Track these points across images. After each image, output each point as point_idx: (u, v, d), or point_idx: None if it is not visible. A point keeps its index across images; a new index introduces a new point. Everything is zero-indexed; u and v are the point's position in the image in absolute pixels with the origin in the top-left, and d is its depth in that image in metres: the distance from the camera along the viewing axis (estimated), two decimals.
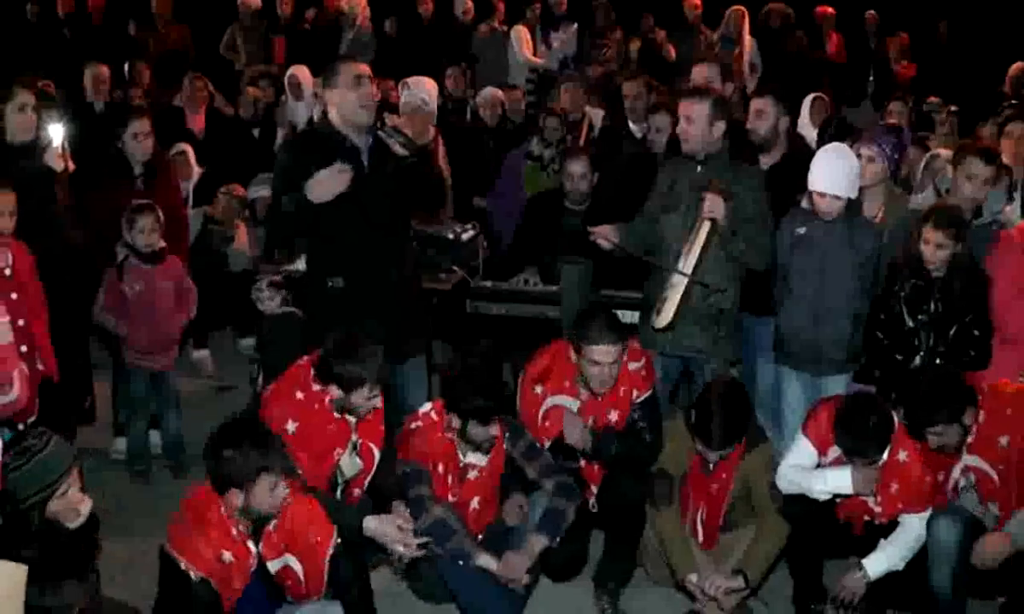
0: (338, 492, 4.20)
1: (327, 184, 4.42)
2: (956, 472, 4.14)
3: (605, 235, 4.77)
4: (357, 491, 4.24)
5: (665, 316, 4.58)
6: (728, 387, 4.24)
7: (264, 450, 3.42)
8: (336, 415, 4.11)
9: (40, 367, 4.57)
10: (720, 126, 4.73)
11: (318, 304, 4.66)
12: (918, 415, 4.02)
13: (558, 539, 4.12)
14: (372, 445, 4.22)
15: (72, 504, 3.35)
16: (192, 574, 3.33)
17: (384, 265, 4.62)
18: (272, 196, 4.82)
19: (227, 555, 3.40)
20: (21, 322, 4.45)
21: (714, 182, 4.56)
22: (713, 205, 4.50)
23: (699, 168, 4.74)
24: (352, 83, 4.52)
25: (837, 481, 4.09)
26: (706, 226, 4.53)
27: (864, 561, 4.11)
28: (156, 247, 5.29)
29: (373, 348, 4.04)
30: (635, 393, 4.41)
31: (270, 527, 3.52)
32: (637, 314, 5.07)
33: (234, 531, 3.44)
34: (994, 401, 4.04)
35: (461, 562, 4.01)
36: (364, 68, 4.63)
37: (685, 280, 4.54)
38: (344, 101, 4.54)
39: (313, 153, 4.51)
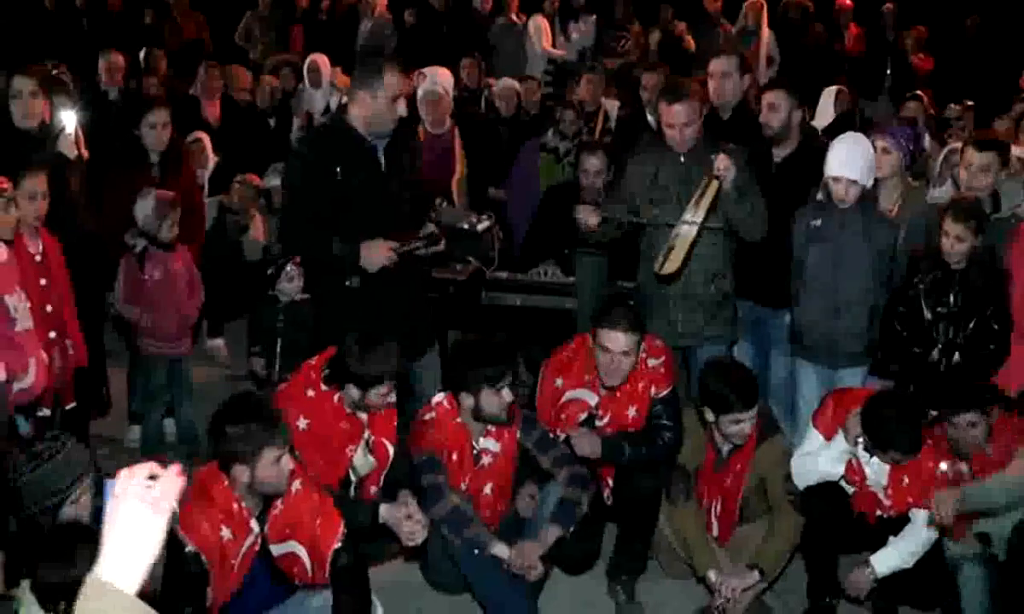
0: (352, 490, 4.19)
1: (378, 258, 4.38)
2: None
3: (588, 214, 4.73)
4: (373, 489, 4.22)
5: (673, 263, 4.47)
6: (727, 358, 4.34)
7: (266, 424, 3.41)
8: (348, 411, 4.10)
9: (71, 353, 4.59)
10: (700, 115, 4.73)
11: (334, 302, 4.63)
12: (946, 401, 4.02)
13: (572, 529, 4.11)
14: (385, 441, 4.21)
15: (87, 508, 3.33)
16: (187, 545, 3.33)
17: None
18: (290, 190, 4.69)
19: (226, 532, 3.39)
20: (49, 308, 4.45)
21: (723, 149, 4.53)
22: (725, 164, 4.43)
23: (682, 158, 4.72)
24: (393, 97, 4.37)
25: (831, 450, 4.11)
26: (714, 185, 4.47)
27: (872, 558, 4.10)
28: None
29: (391, 345, 4.03)
30: (654, 389, 4.38)
31: (275, 510, 3.52)
32: None
33: (235, 506, 3.43)
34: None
35: (477, 551, 4.01)
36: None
37: (693, 230, 4.47)
38: (378, 110, 4.36)
39: (335, 154, 4.41)
